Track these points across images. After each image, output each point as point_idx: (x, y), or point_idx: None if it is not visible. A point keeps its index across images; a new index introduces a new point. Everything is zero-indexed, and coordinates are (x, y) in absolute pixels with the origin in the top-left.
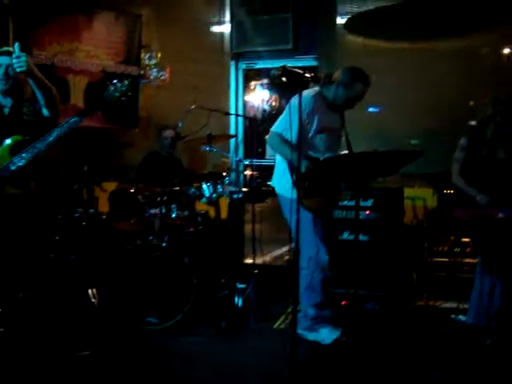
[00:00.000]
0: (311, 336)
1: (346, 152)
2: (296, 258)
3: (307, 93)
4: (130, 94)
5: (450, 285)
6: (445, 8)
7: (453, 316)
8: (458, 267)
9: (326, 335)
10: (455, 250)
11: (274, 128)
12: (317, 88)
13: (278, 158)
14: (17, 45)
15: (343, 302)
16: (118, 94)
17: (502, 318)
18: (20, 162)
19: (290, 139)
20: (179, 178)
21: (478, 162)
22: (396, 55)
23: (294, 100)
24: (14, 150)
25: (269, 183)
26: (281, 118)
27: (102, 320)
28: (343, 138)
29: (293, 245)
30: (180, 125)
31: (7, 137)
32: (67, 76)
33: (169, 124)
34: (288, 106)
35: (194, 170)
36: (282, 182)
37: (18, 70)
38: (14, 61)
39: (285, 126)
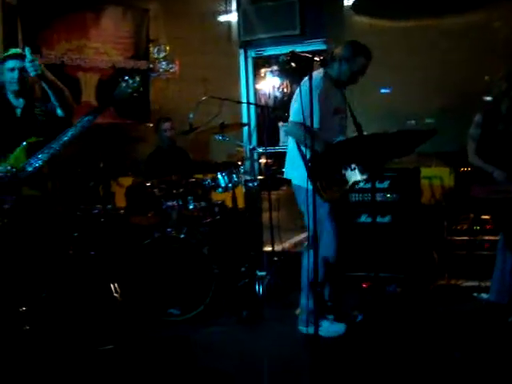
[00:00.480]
0: (311, 330)
1: (359, 134)
2: (315, 248)
3: (316, 74)
4: (141, 89)
5: (471, 263)
6: None
7: (475, 294)
8: (479, 245)
9: (326, 329)
10: (475, 227)
11: (292, 118)
12: (321, 70)
13: (292, 147)
14: (27, 49)
15: (364, 285)
16: (130, 91)
17: None
18: (36, 163)
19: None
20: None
21: (494, 137)
22: (403, 33)
23: (304, 84)
24: (30, 151)
25: (282, 176)
26: (296, 106)
27: (125, 314)
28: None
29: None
30: (191, 116)
31: (21, 137)
32: (77, 74)
33: (167, 115)
34: (298, 90)
35: (205, 160)
36: (298, 172)
37: (32, 74)
38: (28, 65)
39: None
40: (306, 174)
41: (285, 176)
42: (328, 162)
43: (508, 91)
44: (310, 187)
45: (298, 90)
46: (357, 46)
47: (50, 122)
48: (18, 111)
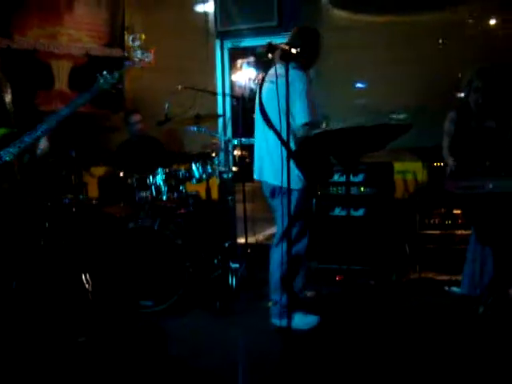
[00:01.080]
0: (284, 323)
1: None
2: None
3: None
4: (120, 86)
5: (443, 257)
6: None
7: (446, 288)
8: (450, 239)
9: (299, 321)
10: (447, 222)
11: (304, 119)
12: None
13: (274, 149)
14: None
15: (337, 278)
16: (106, 87)
17: (494, 287)
18: (6, 156)
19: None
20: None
21: (467, 134)
22: (381, 28)
23: (279, 77)
24: (1, 143)
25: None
26: (299, 105)
27: (97, 305)
28: None
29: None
30: (167, 106)
31: None
32: (50, 61)
33: (141, 105)
34: (275, 86)
35: (179, 151)
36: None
37: None
38: None
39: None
40: (297, 176)
41: (268, 180)
42: (307, 153)
43: (479, 88)
44: (298, 187)
45: (270, 86)
46: (313, 31)
47: (21, 113)
48: None
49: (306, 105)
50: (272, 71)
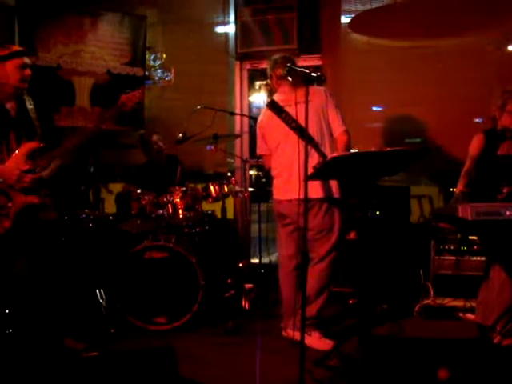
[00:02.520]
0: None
1: (355, 151)
2: (305, 258)
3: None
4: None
5: (458, 283)
6: (447, 6)
7: (461, 314)
8: (466, 265)
9: (315, 341)
10: (462, 248)
11: (342, 127)
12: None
13: None
14: None
15: (351, 301)
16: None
17: (510, 316)
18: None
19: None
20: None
21: (492, 158)
22: (400, 53)
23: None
24: (31, 156)
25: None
26: (338, 117)
27: (110, 321)
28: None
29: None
30: (185, 125)
31: (17, 139)
32: (72, 78)
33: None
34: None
35: (196, 170)
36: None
37: None
38: None
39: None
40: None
41: (314, 194)
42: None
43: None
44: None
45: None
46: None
47: (46, 129)
48: (11, 110)
49: (340, 113)
50: (301, 92)
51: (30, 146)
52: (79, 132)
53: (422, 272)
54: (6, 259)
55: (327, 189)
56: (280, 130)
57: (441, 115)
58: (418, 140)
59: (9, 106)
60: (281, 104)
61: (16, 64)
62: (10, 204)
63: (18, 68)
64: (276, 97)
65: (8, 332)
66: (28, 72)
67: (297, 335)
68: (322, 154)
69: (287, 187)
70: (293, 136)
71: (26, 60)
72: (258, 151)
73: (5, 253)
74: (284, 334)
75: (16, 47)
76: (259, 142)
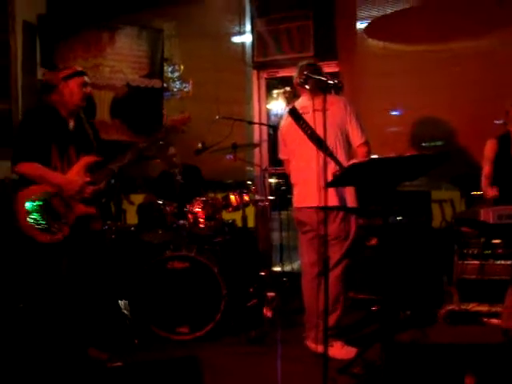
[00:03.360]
0: (321, 351)
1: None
2: (326, 265)
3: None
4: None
5: (482, 288)
6: (462, 9)
7: (485, 319)
8: (490, 269)
9: (338, 351)
10: (486, 252)
11: (363, 138)
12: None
13: None
14: None
15: (373, 308)
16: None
17: None
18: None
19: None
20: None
21: (508, 161)
22: (416, 58)
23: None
24: (89, 169)
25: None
26: (357, 124)
27: (134, 331)
28: None
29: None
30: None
31: (76, 152)
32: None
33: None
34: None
35: (218, 180)
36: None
37: None
38: None
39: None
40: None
41: (332, 203)
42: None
43: None
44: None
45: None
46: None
47: (100, 144)
48: (71, 125)
49: (361, 124)
50: (319, 100)
51: (89, 159)
52: (133, 148)
53: (445, 277)
54: (58, 266)
55: (343, 197)
56: (298, 137)
57: (460, 118)
58: (439, 143)
59: (70, 121)
60: (300, 111)
61: (78, 82)
62: (70, 213)
63: (80, 86)
64: (297, 103)
65: (34, 341)
66: (88, 90)
67: (320, 348)
68: (337, 162)
69: (305, 195)
70: (309, 144)
71: (86, 79)
72: (280, 155)
73: (59, 259)
74: (307, 343)
75: (77, 67)
76: (281, 146)
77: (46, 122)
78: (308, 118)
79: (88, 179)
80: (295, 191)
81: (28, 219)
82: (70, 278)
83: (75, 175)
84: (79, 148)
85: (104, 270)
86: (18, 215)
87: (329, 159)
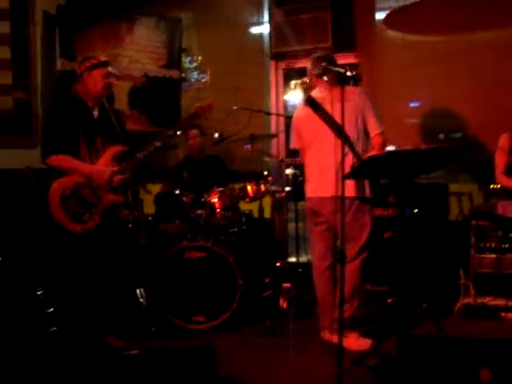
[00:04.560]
0: (336, 341)
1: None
2: (342, 256)
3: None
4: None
5: (499, 281)
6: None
7: (503, 314)
8: (508, 263)
9: (353, 342)
10: (503, 245)
11: (381, 128)
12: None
13: None
14: None
15: (389, 300)
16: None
17: None
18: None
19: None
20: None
21: None
22: (434, 48)
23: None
24: (117, 159)
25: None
26: (374, 114)
27: (151, 319)
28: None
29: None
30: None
31: (102, 141)
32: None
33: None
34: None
35: (235, 170)
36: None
37: None
38: None
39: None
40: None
41: (349, 193)
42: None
43: None
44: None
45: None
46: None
47: (125, 133)
48: (95, 115)
49: (378, 115)
50: (337, 91)
51: (117, 149)
52: (160, 135)
53: (461, 270)
54: (87, 253)
55: (359, 188)
56: (317, 126)
57: (479, 109)
58: (458, 135)
59: (95, 111)
60: (319, 101)
61: (102, 73)
62: (100, 202)
63: (103, 76)
64: (314, 93)
65: (52, 330)
66: (112, 80)
67: (335, 338)
68: (355, 154)
69: (321, 185)
70: (329, 134)
71: (111, 69)
72: (292, 145)
73: (88, 247)
74: (322, 334)
75: (102, 57)
76: (294, 136)
77: (73, 112)
78: (327, 108)
79: (116, 169)
80: (310, 181)
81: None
82: (63, 280)
83: (103, 165)
84: (105, 137)
85: (124, 258)
86: (50, 205)
87: (346, 150)
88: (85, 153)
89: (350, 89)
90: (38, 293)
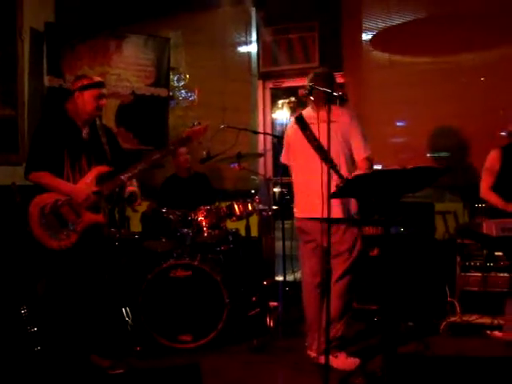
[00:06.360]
0: (323, 361)
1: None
2: (329, 275)
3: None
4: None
5: (484, 300)
6: (467, 22)
7: (488, 332)
8: (492, 282)
9: (341, 362)
10: (488, 264)
11: (366, 152)
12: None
13: None
14: None
15: (376, 318)
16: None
17: None
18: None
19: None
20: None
21: None
22: (421, 69)
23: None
24: (100, 179)
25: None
26: (361, 137)
27: (136, 338)
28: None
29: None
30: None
31: (88, 161)
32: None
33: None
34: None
35: (222, 188)
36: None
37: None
38: None
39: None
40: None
41: (336, 214)
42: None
43: None
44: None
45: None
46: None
47: (114, 153)
48: (85, 134)
49: (365, 138)
50: (324, 112)
51: (100, 169)
52: (146, 158)
53: (447, 289)
54: (67, 271)
55: (346, 209)
56: (303, 146)
57: (465, 130)
58: (444, 154)
59: (84, 130)
60: (307, 121)
61: (94, 94)
62: (79, 221)
63: (95, 97)
64: (305, 112)
65: (36, 349)
66: (103, 102)
67: (321, 359)
68: (340, 176)
69: (308, 205)
70: (314, 155)
71: (103, 91)
72: (282, 160)
73: (68, 265)
74: (309, 352)
75: (96, 78)
76: (285, 150)
77: (60, 130)
78: (314, 128)
79: (95, 189)
80: (298, 201)
81: (40, 225)
82: (47, 298)
83: (85, 184)
84: (92, 157)
85: (108, 276)
86: (30, 221)
87: (331, 171)
88: (68, 171)
89: (337, 110)
90: (22, 312)
